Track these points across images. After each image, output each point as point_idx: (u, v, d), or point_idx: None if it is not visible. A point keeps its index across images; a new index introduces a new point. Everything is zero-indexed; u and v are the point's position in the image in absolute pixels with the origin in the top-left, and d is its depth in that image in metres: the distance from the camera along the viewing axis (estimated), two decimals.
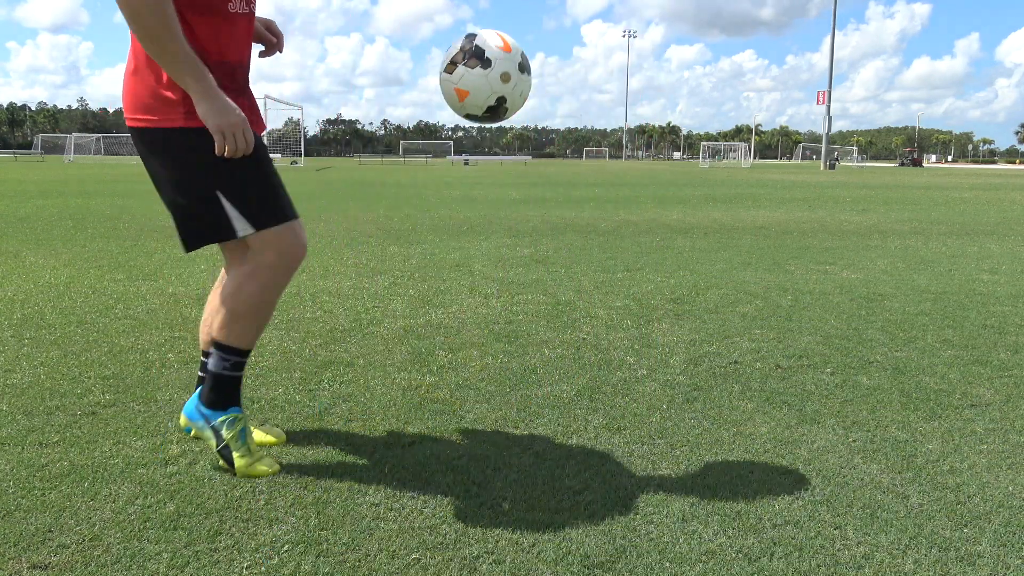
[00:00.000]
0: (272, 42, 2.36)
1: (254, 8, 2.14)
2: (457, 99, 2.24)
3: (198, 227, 2.11)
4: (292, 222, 2.11)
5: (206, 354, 2.34)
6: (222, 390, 2.18)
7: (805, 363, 3.25)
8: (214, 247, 2.33)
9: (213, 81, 1.94)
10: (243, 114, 1.98)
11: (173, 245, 6.89)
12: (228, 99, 1.96)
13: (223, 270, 2.34)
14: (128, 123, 2.08)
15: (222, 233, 2.07)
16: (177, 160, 2.04)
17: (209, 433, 2.17)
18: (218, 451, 2.15)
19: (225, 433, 2.15)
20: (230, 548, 1.74)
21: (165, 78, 1.96)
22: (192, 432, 2.33)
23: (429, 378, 2.99)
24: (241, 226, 2.06)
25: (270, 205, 2.09)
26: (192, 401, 2.23)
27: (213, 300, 2.33)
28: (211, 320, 2.27)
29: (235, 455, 2.13)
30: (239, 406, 2.20)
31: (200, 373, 2.41)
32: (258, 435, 2.35)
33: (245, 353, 2.18)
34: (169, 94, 1.98)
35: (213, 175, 2.02)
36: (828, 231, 8.91)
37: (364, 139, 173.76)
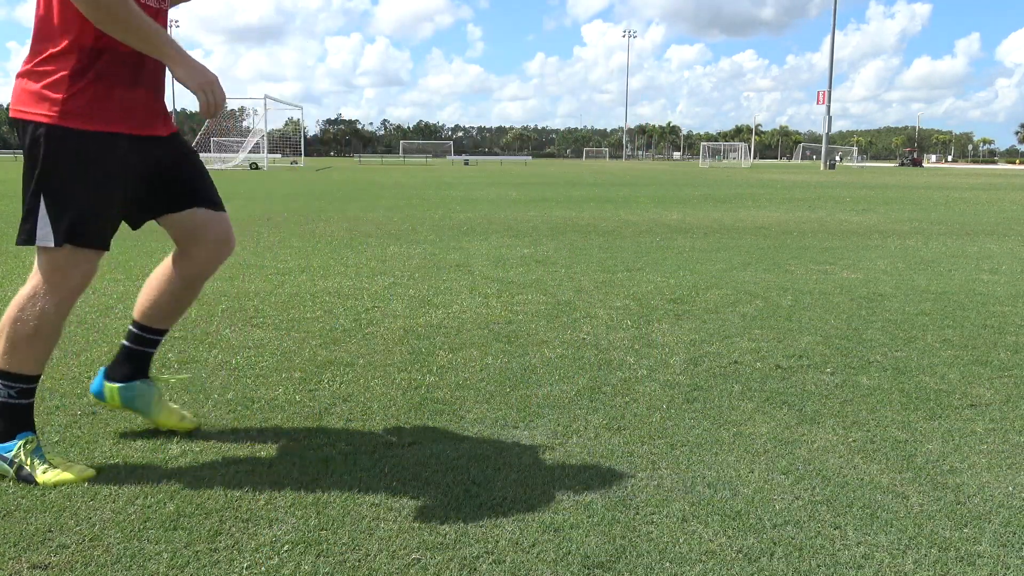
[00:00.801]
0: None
1: (166, 7, 2.14)
2: None
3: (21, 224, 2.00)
4: (80, 250, 1.99)
5: (141, 330, 2.34)
6: (9, 419, 2.06)
7: (805, 363, 3.25)
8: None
9: (181, 46, 1.96)
10: (214, 73, 2.00)
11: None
12: (198, 60, 1.99)
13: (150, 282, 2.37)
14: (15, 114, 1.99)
15: (23, 234, 1.99)
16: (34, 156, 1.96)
17: (4, 466, 2.05)
18: (18, 478, 2.03)
19: (17, 456, 2.04)
20: (230, 548, 1.74)
21: (48, 75, 1.93)
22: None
23: (429, 378, 2.99)
24: (43, 236, 1.97)
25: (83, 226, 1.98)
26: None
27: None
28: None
29: (37, 472, 2.03)
30: (31, 430, 2.08)
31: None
32: (166, 417, 2.37)
33: (33, 379, 2.08)
34: (48, 92, 1.93)
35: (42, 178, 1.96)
36: (828, 231, 8.91)
37: (364, 139, 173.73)
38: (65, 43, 1.93)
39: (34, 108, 1.94)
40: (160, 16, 2.10)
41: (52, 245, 1.97)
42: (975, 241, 8.05)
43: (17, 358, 2.04)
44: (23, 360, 2.04)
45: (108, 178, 2.01)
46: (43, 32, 1.95)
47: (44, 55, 1.94)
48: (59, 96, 1.93)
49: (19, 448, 2.05)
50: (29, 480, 2.03)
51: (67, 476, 2.04)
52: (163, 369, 3.00)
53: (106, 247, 2.06)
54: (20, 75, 1.98)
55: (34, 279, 2.03)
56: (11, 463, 2.05)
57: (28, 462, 2.04)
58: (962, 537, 1.82)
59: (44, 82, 1.94)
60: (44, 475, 2.03)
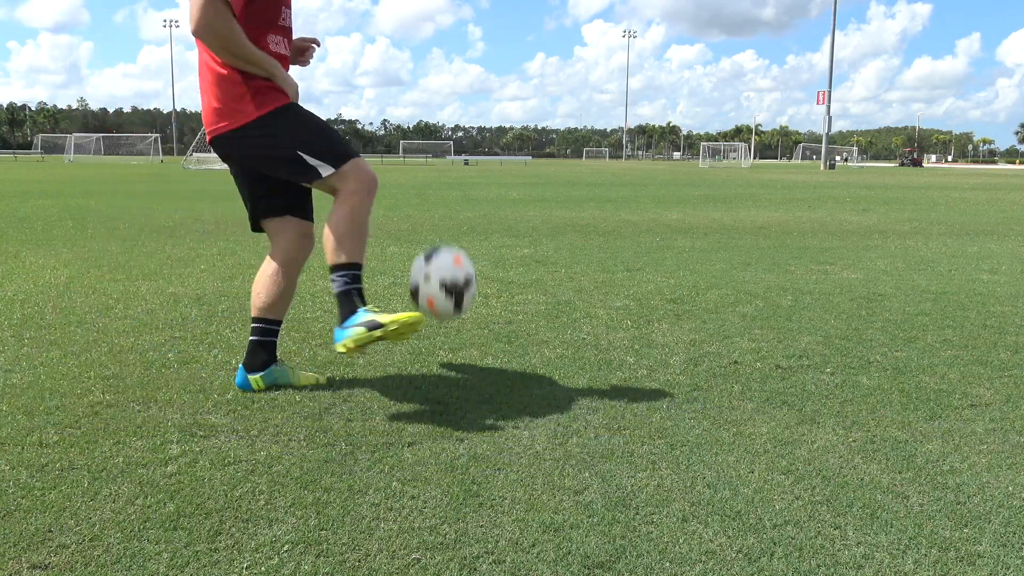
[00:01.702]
0: (303, 50, 3.01)
1: (289, 47, 2.84)
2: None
3: (295, 178, 2.72)
4: (357, 159, 2.69)
5: (256, 320, 2.85)
6: (349, 301, 2.61)
7: (805, 363, 3.25)
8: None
9: (281, 67, 2.68)
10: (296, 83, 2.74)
11: (173, 245, 6.89)
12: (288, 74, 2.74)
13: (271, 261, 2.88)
14: (217, 131, 2.68)
15: (311, 176, 2.66)
16: (268, 141, 2.65)
17: (363, 331, 2.53)
18: (369, 330, 2.52)
19: (369, 317, 2.54)
20: (230, 548, 1.74)
21: (234, 88, 2.62)
22: (350, 346, 2.57)
23: (429, 378, 2.99)
24: (324, 170, 2.65)
25: (336, 150, 2.67)
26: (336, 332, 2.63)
27: (263, 274, 2.85)
28: (260, 290, 2.83)
29: (382, 318, 2.51)
30: (365, 305, 2.61)
31: (252, 338, 2.86)
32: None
33: (359, 267, 2.65)
34: (236, 102, 2.62)
35: (289, 141, 2.65)
36: (828, 231, 8.91)
37: (364, 139, 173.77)
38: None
39: (233, 117, 2.70)
40: (286, 62, 2.80)
41: (333, 170, 2.67)
42: (975, 241, 8.05)
43: (346, 249, 2.64)
44: (351, 250, 2.65)
45: (310, 116, 2.82)
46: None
47: None
48: None
49: (363, 313, 2.57)
50: (379, 326, 2.51)
51: (405, 315, 2.52)
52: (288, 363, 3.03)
53: (358, 154, 2.77)
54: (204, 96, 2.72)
55: (341, 190, 2.69)
56: (369, 324, 2.52)
57: (375, 316, 2.55)
58: (962, 537, 1.82)
59: None
60: (386, 318, 2.53)
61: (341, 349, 2.58)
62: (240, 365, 2.85)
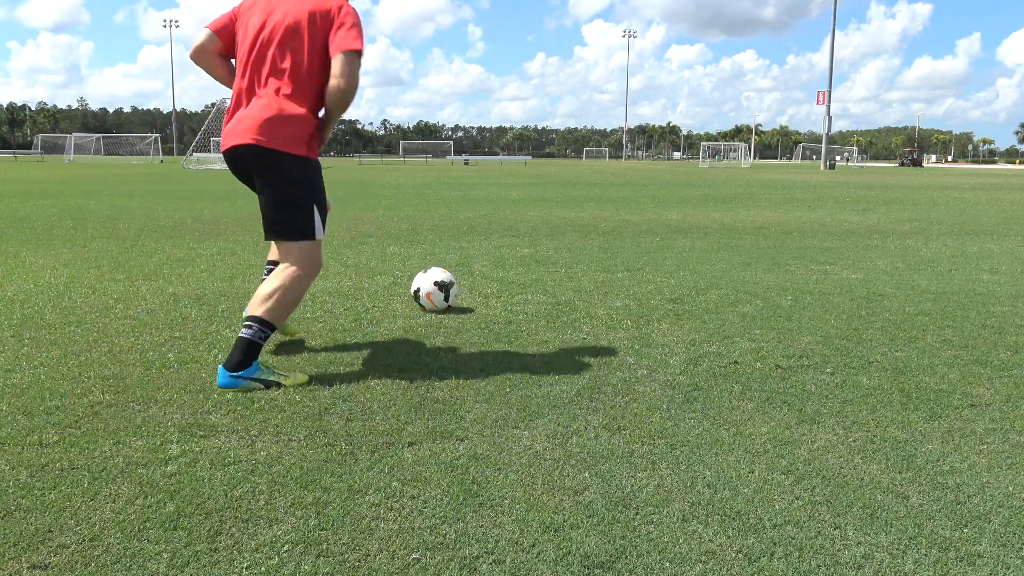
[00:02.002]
0: None
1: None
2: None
3: (286, 218, 3.01)
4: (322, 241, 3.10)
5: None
6: (253, 352, 2.88)
7: (805, 363, 3.25)
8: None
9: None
10: None
11: (173, 245, 6.89)
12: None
13: (269, 265, 3.39)
14: (263, 145, 2.94)
15: (305, 230, 3.01)
16: (297, 178, 3.00)
17: (254, 383, 2.85)
18: (267, 387, 2.85)
19: (264, 376, 2.88)
20: (230, 548, 1.74)
21: (305, 126, 3.00)
22: (234, 390, 2.85)
23: (429, 378, 2.99)
24: (317, 234, 3.03)
25: (324, 223, 3.08)
26: (221, 373, 2.87)
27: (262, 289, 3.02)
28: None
29: (282, 378, 2.88)
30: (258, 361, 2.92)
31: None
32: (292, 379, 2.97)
33: (274, 329, 2.98)
34: (297, 134, 2.97)
35: (311, 191, 3.04)
36: (828, 231, 8.91)
37: (364, 139, 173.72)
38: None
39: (294, 146, 3.01)
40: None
41: (319, 239, 3.06)
42: (975, 241, 8.05)
43: (278, 315, 2.96)
44: (277, 316, 2.96)
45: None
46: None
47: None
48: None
49: (261, 368, 2.89)
50: (278, 384, 2.86)
51: (301, 378, 2.92)
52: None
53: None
54: (279, 117, 2.98)
55: (297, 263, 3.00)
56: (259, 379, 2.86)
57: (270, 375, 2.89)
58: (962, 537, 1.82)
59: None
60: (287, 379, 2.90)
61: (222, 387, 2.86)
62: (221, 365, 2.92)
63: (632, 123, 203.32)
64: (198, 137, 44.17)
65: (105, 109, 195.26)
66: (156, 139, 65.51)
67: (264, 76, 3.00)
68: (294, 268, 2.98)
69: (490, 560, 1.70)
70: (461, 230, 8.53)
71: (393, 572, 1.66)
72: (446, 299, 4.13)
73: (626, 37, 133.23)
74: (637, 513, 1.92)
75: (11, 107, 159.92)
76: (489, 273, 5.54)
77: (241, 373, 2.83)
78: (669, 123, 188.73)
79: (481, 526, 1.85)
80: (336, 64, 2.92)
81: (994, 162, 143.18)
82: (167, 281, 5.06)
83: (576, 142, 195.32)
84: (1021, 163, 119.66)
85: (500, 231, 8.48)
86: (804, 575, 1.66)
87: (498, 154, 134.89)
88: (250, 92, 3.03)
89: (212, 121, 44.06)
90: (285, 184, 2.98)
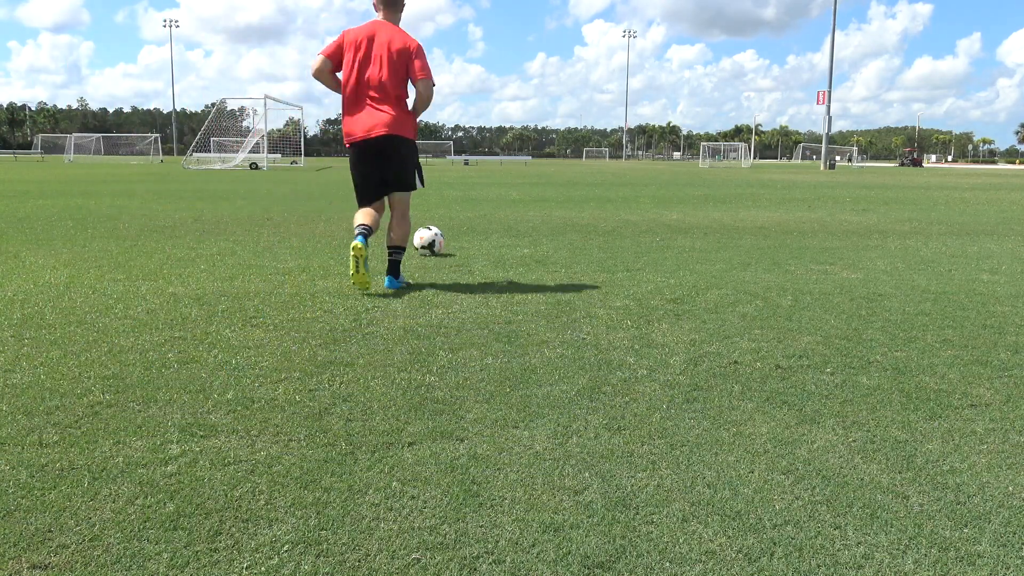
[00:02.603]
0: None
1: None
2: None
3: (405, 178, 5.01)
4: None
5: (365, 226, 4.87)
6: (398, 267, 4.99)
7: (805, 363, 3.25)
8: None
9: None
10: None
11: (173, 245, 6.89)
12: None
13: (372, 211, 5.06)
14: (392, 134, 4.83)
15: (411, 186, 5.07)
16: (412, 156, 5.01)
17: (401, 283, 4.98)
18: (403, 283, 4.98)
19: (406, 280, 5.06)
20: (230, 548, 1.74)
21: (409, 119, 4.93)
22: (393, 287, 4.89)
23: (429, 378, 2.99)
24: (416, 186, 5.10)
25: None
26: (390, 280, 4.95)
27: (390, 223, 5.15)
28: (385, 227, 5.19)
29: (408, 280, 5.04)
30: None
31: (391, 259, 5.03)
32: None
33: (403, 249, 5.08)
34: (408, 124, 4.91)
35: (415, 161, 5.05)
36: (828, 231, 8.91)
37: None
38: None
39: (412, 134, 4.98)
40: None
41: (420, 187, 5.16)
42: (975, 241, 8.05)
43: (406, 239, 5.08)
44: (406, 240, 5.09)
45: None
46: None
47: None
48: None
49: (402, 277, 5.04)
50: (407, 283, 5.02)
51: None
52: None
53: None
54: (399, 114, 4.89)
55: (406, 212, 5.17)
56: (405, 282, 5.02)
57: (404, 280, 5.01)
58: (962, 537, 1.82)
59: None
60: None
61: (389, 288, 4.88)
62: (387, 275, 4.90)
63: (632, 123, 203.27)
64: (198, 137, 44.17)
65: (105, 109, 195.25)
66: (156, 139, 65.52)
67: (375, 87, 4.76)
68: (407, 207, 5.19)
69: (490, 560, 1.70)
70: (461, 230, 8.52)
71: (393, 572, 1.66)
72: (432, 250, 6.45)
73: (626, 37, 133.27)
74: (637, 513, 1.92)
75: (11, 107, 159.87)
76: (489, 273, 5.54)
77: (399, 280, 4.96)
78: (669, 123, 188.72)
79: (481, 526, 1.85)
80: (420, 86, 4.79)
81: (994, 162, 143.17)
82: (167, 281, 5.06)
83: (576, 142, 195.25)
84: (1021, 163, 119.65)
85: (500, 231, 8.48)
86: (804, 575, 1.66)
87: (498, 154, 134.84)
88: (364, 97, 4.81)
89: (212, 121, 44.00)
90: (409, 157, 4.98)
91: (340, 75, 4.83)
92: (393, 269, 4.91)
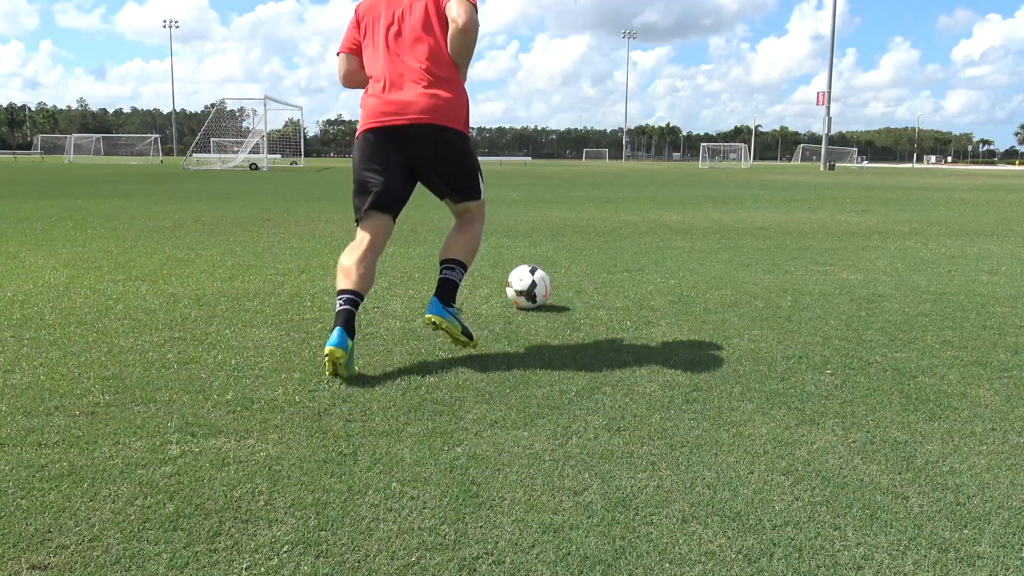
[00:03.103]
0: None
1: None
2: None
3: (464, 184, 3.44)
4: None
5: (349, 295, 3.14)
6: (454, 290, 3.36)
7: (805, 363, 3.25)
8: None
9: None
10: None
11: (173, 245, 6.89)
12: None
13: (368, 242, 3.30)
14: (446, 125, 3.25)
15: (475, 193, 3.49)
16: (468, 149, 3.40)
17: (455, 322, 3.30)
18: (463, 333, 3.35)
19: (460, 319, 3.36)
20: (230, 548, 1.74)
21: (460, 101, 3.31)
22: (437, 325, 3.27)
23: (429, 378, 2.99)
24: (482, 195, 3.53)
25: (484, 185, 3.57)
26: (435, 305, 3.29)
27: (453, 237, 3.49)
28: (448, 250, 3.44)
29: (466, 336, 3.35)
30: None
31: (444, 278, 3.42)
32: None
33: (466, 268, 3.44)
34: (458, 111, 3.29)
35: (474, 160, 3.49)
36: (828, 232, 8.91)
37: None
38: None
39: (464, 127, 3.39)
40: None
41: (482, 199, 3.55)
42: (975, 242, 8.05)
43: (470, 258, 3.45)
44: (472, 259, 3.48)
45: None
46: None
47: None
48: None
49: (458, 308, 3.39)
50: (468, 334, 3.39)
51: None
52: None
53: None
54: (449, 100, 3.26)
55: (479, 216, 3.56)
56: (459, 321, 3.33)
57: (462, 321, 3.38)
58: (962, 538, 1.82)
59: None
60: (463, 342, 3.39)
61: (433, 320, 3.26)
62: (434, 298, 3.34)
63: (632, 123, 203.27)
64: (198, 137, 44.18)
65: (105, 109, 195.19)
66: (156, 139, 65.57)
67: (410, 61, 3.26)
68: (478, 218, 3.61)
69: (490, 561, 1.70)
70: None
71: (393, 572, 1.66)
72: (532, 301, 4.25)
73: (626, 37, 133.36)
74: (637, 514, 1.92)
75: (11, 107, 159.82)
76: (489, 274, 5.54)
77: (451, 310, 3.32)
78: (669, 124, 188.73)
79: (481, 527, 1.85)
80: (452, 8, 3.17)
81: (993, 163, 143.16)
82: (167, 282, 5.06)
83: (576, 142, 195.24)
84: (1020, 164, 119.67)
85: (500, 231, 8.48)
86: None
87: (497, 155, 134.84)
88: (400, 78, 3.25)
89: (212, 121, 44.00)
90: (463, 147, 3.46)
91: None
92: (444, 293, 3.37)
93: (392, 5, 3.34)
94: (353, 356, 3.01)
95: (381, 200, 3.28)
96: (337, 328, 2.99)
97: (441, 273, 3.37)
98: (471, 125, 3.56)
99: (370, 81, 3.36)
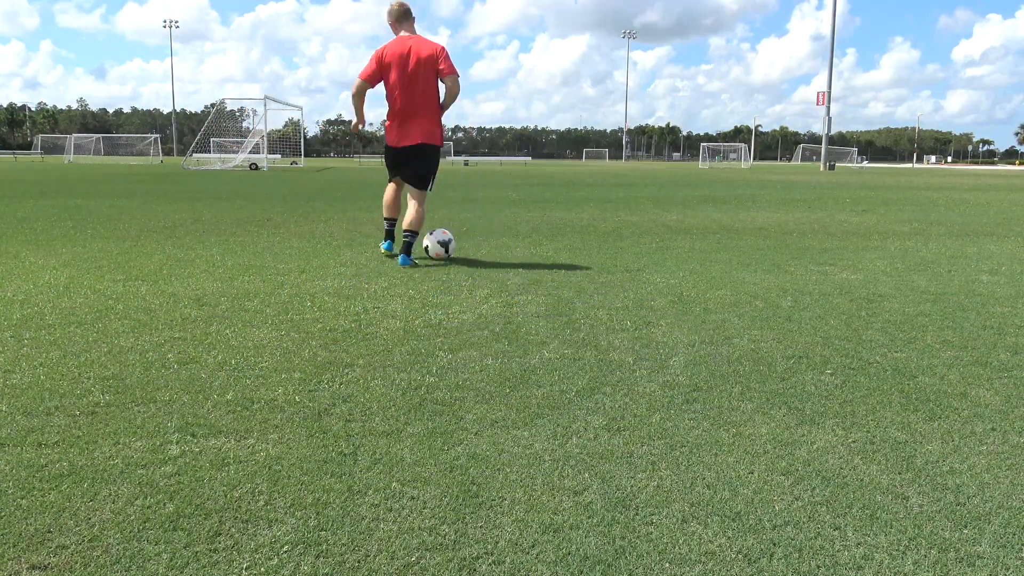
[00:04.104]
0: None
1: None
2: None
3: (422, 176, 6.18)
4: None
5: (391, 221, 6.43)
6: (408, 248, 5.90)
7: (805, 363, 3.25)
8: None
9: None
10: None
11: (173, 245, 6.89)
12: None
13: (395, 188, 6.55)
14: (425, 142, 6.13)
15: (426, 184, 6.23)
16: (435, 159, 6.23)
17: (416, 262, 5.85)
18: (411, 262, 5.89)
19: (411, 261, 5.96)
20: (230, 548, 1.74)
21: (438, 127, 6.22)
22: (415, 264, 5.89)
23: (429, 378, 2.99)
24: (430, 189, 6.26)
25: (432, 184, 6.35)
26: (404, 258, 5.90)
27: (405, 204, 6.27)
28: (401, 214, 6.26)
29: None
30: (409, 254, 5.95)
31: (389, 228, 6.41)
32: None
33: (416, 234, 6.02)
34: (438, 131, 6.19)
35: (437, 165, 6.31)
36: (828, 232, 8.91)
37: (365, 140, 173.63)
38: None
39: (439, 141, 6.26)
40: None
41: (430, 190, 6.32)
42: (975, 242, 8.05)
43: (420, 227, 6.10)
44: (420, 226, 6.13)
45: None
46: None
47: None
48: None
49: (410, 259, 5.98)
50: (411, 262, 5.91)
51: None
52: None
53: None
54: (431, 124, 6.17)
55: (421, 200, 6.17)
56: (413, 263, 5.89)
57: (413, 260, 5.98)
58: (962, 538, 1.82)
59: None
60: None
61: (403, 265, 5.81)
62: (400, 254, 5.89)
63: (632, 123, 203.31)
64: (198, 137, 44.17)
65: (105, 109, 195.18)
66: (156, 139, 65.57)
67: (419, 96, 5.98)
68: (421, 202, 6.18)
69: (490, 561, 1.70)
70: (461, 230, 8.52)
71: (393, 572, 1.66)
72: (447, 252, 6.18)
73: (626, 37, 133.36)
74: (637, 514, 1.92)
75: (11, 107, 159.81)
76: (489, 274, 5.54)
77: (410, 258, 5.88)
78: (669, 124, 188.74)
79: (480, 527, 1.85)
80: (448, 81, 5.91)
81: (993, 163, 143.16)
82: (167, 281, 5.06)
83: (576, 142, 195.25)
84: (1020, 164, 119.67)
85: (500, 231, 8.48)
86: None
87: (497, 155, 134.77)
88: (407, 108, 6.00)
89: (212, 121, 44.00)
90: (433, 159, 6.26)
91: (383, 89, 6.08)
92: (406, 249, 5.89)
93: (410, 58, 5.84)
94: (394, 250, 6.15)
95: (393, 173, 6.44)
96: (385, 240, 6.32)
97: (404, 238, 5.95)
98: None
99: (389, 109, 6.00)
